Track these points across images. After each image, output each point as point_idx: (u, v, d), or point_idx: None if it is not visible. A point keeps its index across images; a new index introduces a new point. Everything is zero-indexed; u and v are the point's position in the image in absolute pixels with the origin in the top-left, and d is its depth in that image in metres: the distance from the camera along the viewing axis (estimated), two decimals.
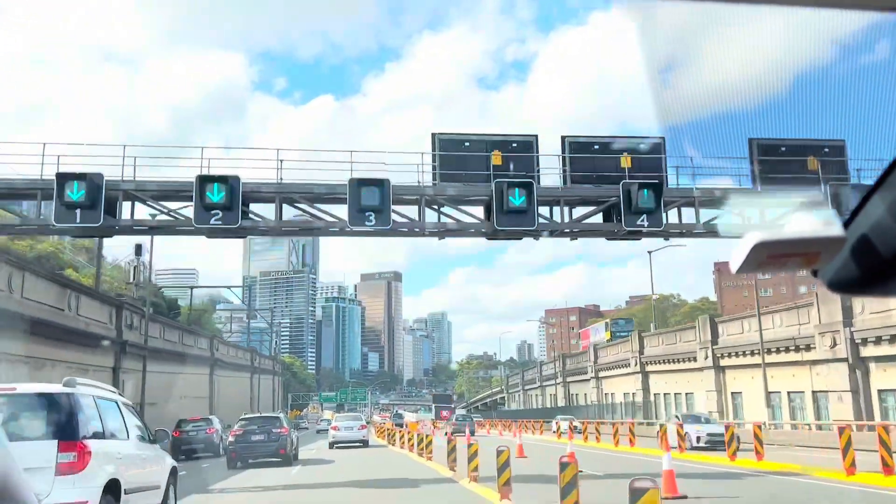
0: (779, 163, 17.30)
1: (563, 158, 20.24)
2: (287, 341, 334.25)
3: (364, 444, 36.61)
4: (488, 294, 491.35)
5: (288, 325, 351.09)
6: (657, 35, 0.89)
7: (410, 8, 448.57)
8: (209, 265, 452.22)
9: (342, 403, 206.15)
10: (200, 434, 33.32)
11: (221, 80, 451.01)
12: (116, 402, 9.95)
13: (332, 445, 36.08)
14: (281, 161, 19.59)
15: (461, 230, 20.44)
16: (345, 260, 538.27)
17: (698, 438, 28.01)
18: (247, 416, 28.93)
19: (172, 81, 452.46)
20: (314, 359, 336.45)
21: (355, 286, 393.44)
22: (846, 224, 1.10)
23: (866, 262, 1.09)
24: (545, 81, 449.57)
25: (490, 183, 19.23)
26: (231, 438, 26.11)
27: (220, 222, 18.57)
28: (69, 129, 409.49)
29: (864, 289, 1.15)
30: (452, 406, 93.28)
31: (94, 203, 17.63)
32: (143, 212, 20.38)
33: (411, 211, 20.19)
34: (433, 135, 20.03)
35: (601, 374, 65.21)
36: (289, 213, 20.68)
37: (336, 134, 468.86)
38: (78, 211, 17.56)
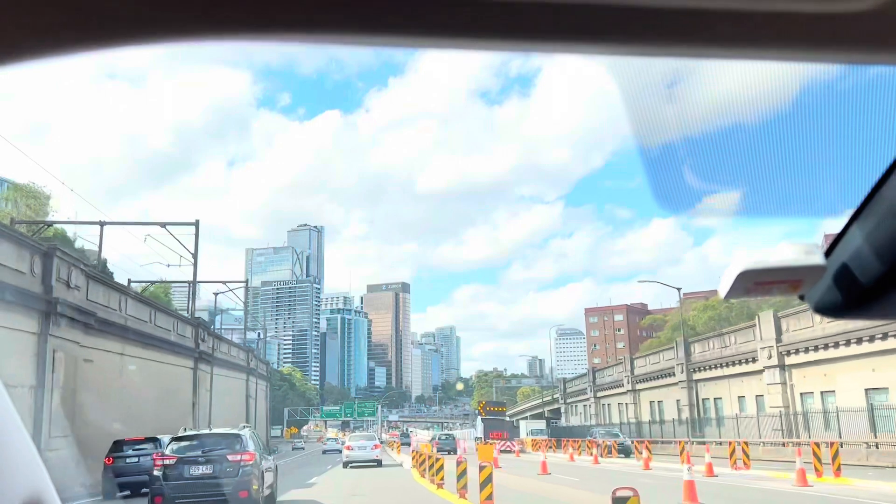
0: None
1: None
2: (290, 355, 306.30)
3: (378, 463, 34.34)
4: (494, 311, 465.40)
5: (290, 337, 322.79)
6: (635, 78, 0.90)
7: None
8: (206, 266, 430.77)
9: (347, 420, 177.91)
10: (144, 462, 22.41)
11: (225, 96, 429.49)
12: None
13: (346, 465, 33.88)
14: None
15: None
16: (350, 273, 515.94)
17: None
18: (187, 433, 17.89)
19: (176, 98, 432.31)
20: (318, 373, 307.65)
21: (361, 298, 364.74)
22: (828, 252, 1.13)
23: (847, 289, 1.12)
24: (548, 95, 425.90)
25: None
26: (156, 471, 16.41)
27: None
28: (74, 146, 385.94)
29: (847, 313, 1.16)
30: (508, 419, 64.16)
31: None
32: None
33: None
34: None
35: (792, 359, 36.55)
36: None
37: (340, 150, 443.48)
38: None
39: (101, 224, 38.47)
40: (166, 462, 16.59)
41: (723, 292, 1.10)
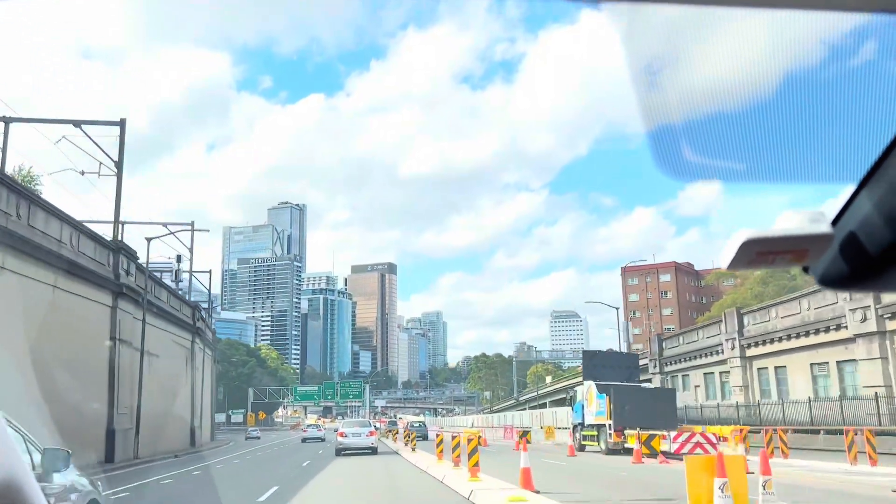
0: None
1: None
2: (268, 337, 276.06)
3: (373, 451, 32.02)
4: (478, 299, 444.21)
5: (269, 318, 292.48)
6: (642, 35, 0.87)
7: (394, 3, 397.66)
8: (183, 250, 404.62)
9: (330, 405, 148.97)
10: None
11: (204, 78, 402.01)
12: None
13: (338, 452, 31.78)
14: None
15: None
16: (333, 257, 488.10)
17: None
18: None
19: (154, 80, 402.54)
20: (298, 357, 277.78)
21: (345, 280, 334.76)
22: (834, 221, 1.07)
23: (854, 259, 1.06)
24: (533, 81, 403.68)
25: None
26: None
27: None
28: (47, 129, 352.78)
29: (854, 284, 1.10)
30: (643, 379, 35.42)
31: None
32: None
33: None
34: None
35: None
36: None
37: (322, 134, 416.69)
38: None
39: (6, 120, 28.20)
40: None
41: (725, 263, 1.03)
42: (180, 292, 44.58)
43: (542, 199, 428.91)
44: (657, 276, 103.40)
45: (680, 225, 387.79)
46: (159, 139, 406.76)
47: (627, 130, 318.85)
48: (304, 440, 54.12)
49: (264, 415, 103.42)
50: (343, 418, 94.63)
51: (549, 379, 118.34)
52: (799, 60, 0.90)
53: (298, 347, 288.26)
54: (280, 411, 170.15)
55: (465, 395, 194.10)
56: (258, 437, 66.88)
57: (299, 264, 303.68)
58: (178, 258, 42.95)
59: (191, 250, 45.72)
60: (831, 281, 1.10)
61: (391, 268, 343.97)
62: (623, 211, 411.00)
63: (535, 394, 76.80)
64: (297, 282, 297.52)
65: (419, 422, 62.54)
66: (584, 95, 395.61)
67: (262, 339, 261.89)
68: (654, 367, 49.33)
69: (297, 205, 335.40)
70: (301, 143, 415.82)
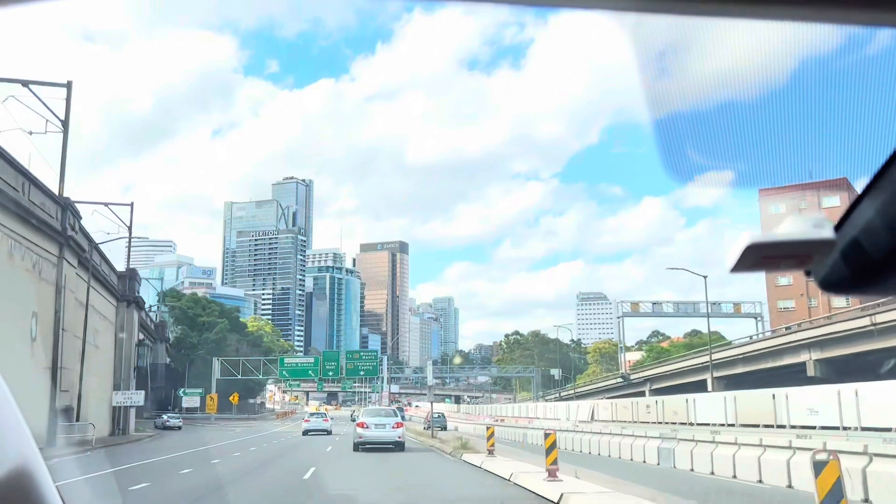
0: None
1: None
2: (269, 316, 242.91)
3: (399, 447, 27.39)
4: (485, 290, 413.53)
5: (270, 296, 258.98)
6: (650, 28, 0.86)
7: None
8: (187, 237, 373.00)
9: (335, 391, 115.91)
10: None
11: (210, 62, 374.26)
12: None
13: (357, 447, 27.28)
14: None
15: None
16: (341, 233, 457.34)
17: None
18: None
19: (158, 63, 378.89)
20: (302, 340, 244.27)
21: (354, 260, 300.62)
22: (837, 227, 1.06)
23: (856, 264, 1.05)
24: (543, 67, 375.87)
25: None
26: None
27: None
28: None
29: (855, 289, 1.10)
30: None
31: None
32: None
33: None
34: None
35: None
36: None
37: (328, 121, 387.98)
38: None
39: None
40: None
41: (729, 266, 1.03)
42: None
43: (550, 189, 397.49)
44: (819, 197, 67.25)
45: (689, 216, 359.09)
46: (163, 124, 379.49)
47: (638, 119, 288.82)
48: (305, 432, 44.23)
49: (237, 398, 68.39)
50: (357, 405, 66.79)
51: (630, 357, 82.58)
52: (799, 65, 0.85)
53: (302, 329, 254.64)
54: (276, 395, 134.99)
55: (490, 379, 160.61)
56: (179, 427, 42.56)
57: (304, 238, 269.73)
58: None
59: (129, 228, 44.46)
60: (833, 285, 1.07)
61: (402, 247, 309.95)
62: (632, 201, 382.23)
63: (708, 362, 42.29)
64: (301, 258, 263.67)
65: (439, 413, 57.83)
66: (594, 82, 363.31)
67: (263, 314, 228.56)
68: None
69: (304, 180, 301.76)
70: (307, 129, 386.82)
